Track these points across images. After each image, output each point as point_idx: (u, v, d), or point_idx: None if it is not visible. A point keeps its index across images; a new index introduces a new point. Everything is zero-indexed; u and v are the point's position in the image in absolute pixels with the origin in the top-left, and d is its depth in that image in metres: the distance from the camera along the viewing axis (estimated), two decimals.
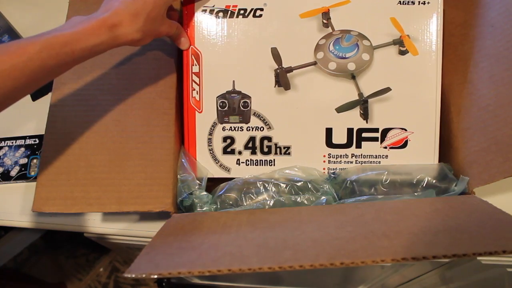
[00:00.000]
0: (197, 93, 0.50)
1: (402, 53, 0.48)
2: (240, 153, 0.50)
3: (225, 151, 0.50)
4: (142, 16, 0.39)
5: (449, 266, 0.68)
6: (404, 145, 0.49)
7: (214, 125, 0.50)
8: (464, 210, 0.39)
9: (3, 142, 0.57)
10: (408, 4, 0.48)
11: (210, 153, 0.50)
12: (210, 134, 0.50)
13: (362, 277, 0.88)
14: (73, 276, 1.17)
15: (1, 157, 0.56)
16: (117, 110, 0.48)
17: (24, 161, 0.55)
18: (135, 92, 0.49)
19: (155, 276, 0.29)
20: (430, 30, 0.48)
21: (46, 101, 0.47)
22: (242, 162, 0.50)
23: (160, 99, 0.49)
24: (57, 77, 0.46)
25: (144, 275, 0.29)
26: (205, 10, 0.49)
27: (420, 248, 0.30)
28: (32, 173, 0.54)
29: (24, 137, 0.57)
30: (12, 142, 0.57)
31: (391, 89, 0.48)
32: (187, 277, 0.89)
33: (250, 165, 0.50)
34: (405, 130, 0.48)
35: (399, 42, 0.48)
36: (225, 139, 0.50)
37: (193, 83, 0.50)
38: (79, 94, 0.48)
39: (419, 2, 0.48)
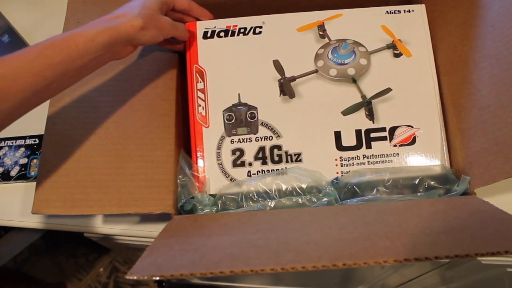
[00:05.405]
0: (203, 109, 0.50)
1: (397, 55, 0.51)
2: (250, 164, 0.49)
3: (234, 164, 0.49)
4: (137, 5, 0.42)
5: (449, 266, 0.68)
6: (413, 141, 0.49)
7: (222, 139, 0.50)
8: (465, 210, 0.39)
9: (3, 142, 0.57)
10: (395, 13, 0.52)
11: (220, 167, 0.49)
12: (219, 148, 0.49)
13: (362, 277, 0.89)
14: (73, 276, 1.17)
15: (1, 157, 0.56)
16: (117, 112, 0.48)
17: (24, 161, 0.55)
18: (135, 93, 0.49)
19: (157, 278, 0.29)
20: (419, 33, 0.51)
21: (46, 101, 0.47)
22: (253, 174, 0.49)
23: (160, 101, 0.48)
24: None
25: (146, 277, 0.29)
26: (207, 32, 0.51)
27: (422, 249, 0.30)
28: (32, 173, 0.54)
29: (24, 137, 0.57)
30: (12, 142, 0.56)
31: (392, 89, 0.50)
32: (188, 278, 0.89)
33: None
34: (412, 126, 0.49)
35: (392, 46, 0.51)
36: (234, 151, 0.49)
37: (199, 99, 0.50)
38: (79, 95, 0.48)
39: (404, 10, 0.52)
